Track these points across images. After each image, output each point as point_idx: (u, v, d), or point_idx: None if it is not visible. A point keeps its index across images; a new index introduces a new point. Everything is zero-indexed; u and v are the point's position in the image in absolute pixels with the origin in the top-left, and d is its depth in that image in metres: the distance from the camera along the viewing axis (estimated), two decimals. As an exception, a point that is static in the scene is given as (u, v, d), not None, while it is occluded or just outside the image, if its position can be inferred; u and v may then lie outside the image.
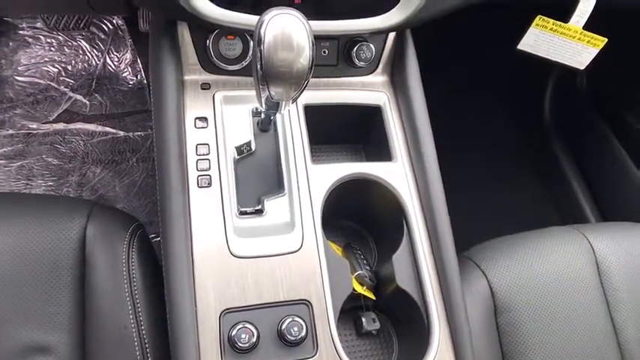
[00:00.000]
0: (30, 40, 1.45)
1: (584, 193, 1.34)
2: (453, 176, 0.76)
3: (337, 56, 0.75)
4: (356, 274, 0.66)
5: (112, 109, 1.42)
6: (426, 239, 0.67)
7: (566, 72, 1.05)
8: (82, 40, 1.47)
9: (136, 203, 1.28)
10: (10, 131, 1.35)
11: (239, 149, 0.67)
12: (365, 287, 0.66)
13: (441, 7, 0.70)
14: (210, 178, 0.62)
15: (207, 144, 0.64)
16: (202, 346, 0.53)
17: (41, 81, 1.43)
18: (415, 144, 0.70)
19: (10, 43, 1.44)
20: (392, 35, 0.76)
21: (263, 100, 0.54)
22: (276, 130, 0.70)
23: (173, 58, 0.66)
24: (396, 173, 0.70)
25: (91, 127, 1.38)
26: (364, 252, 0.71)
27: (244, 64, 0.70)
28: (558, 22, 0.95)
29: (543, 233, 0.88)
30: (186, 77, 0.68)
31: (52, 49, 1.45)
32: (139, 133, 1.40)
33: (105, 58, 1.47)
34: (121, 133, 1.39)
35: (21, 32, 1.45)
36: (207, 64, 0.69)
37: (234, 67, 0.70)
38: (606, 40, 0.96)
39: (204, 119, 0.66)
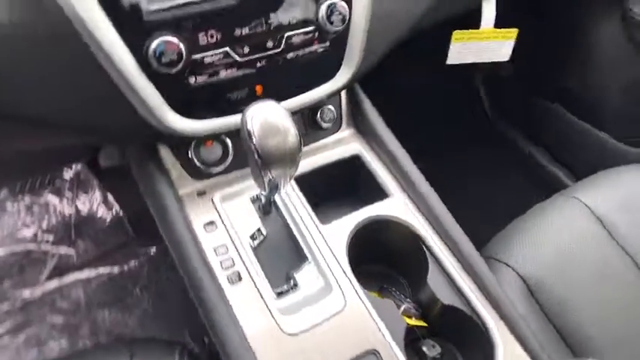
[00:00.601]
0: (-4, 213, 1.46)
1: (554, 165, 1.43)
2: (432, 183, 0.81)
3: (305, 125, 0.81)
4: (402, 309, 0.69)
5: (99, 250, 1.42)
6: (448, 253, 0.71)
7: (490, 66, 1.16)
8: (48, 195, 1.48)
9: (155, 330, 1.27)
10: (6, 305, 1.32)
11: (252, 237, 0.70)
12: (414, 319, 0.69)
13: (374, 60, 0.78)
14: (239, 273, 0.65)
15: (224, 244, 0.68)
16: None
17: (20, 248, 1.42)
18: (408, 184, 0.76)
19: (-22, 224, 1.44)
20: (343, 92, 0.83)
21: (266, 183, 0.58)
22: (278, 209, 0.74)
23: (165, 178, 0.71)
24: (396, 206, 0.75)
25: (85, 274, 1.38)
26: (398, 288, 0.75)
27: (227, 163, 0.75)
28: (473, 30, 1.06)
29: (537, 210, 0.95)
30: (182, 191, 0.72)
31: (22, 213, 1.46)
32: (133, 263, 1.40)
33: (76, 205, 1.49)
34: (116, 270, 1.39)
35: (-15, 209, 1.46)
36: (194, 173, 0.74)
37: (219, 169, 0.75)
38: (517, 30, 1.07)
39: (211, 223, 0.70)
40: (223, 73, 0.65)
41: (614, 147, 1.26)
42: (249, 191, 0.74)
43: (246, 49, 0.65)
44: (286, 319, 0.62)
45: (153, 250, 1.43)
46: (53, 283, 1.36)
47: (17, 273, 1.39)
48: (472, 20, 1.05)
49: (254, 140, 0.53)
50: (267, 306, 0.63)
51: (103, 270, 1.39)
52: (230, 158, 0.75)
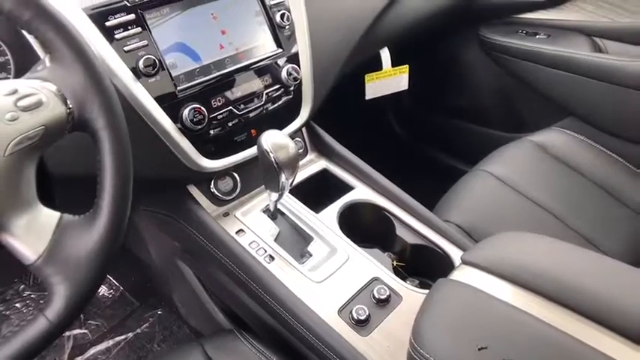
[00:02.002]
0: (3, 319, 1.58)
1: (456, 161, 1.84)
2: None
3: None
4: (385, 254, 0.99)
5: (110, 323, 1.58)
6: (408, 215, 1.03)
7: (395, 96, 1.56)
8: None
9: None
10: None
11: (271, 234, 0.98)
12: (395, 262, 0.99)
13: (319, 102, 1.13)
14: (271, 255, 0.92)
15: (254, 240, 0.95)
16: (338, 330, 0.81)
17: (33, 343, 1.54)
18: (368, 178, 1.09)
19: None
20: (304, 128, 1.16)
21: (279, 185, 0.87)
22: (282, 213, 1.03)
23: (199, 206, 0.98)
24: (362, 193, 1.08)
25: (103, 345, 1.53)
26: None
27: (237, 191, 1.04)
28: (379, 72, 1.46)
29: (459, 184, 1.31)
30: (213, 215, 0.99)
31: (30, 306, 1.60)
32: (144, 325, 1.57)
33: (78, 291, 1.64)
34: (131, 335, 1.55)
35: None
36: (216, 201, 1.01)
37: (233, 196, 1.03)
38: (407, 65, 1.48)
39: (241, 230, 0.97)
40: (230, 124, 0.95)
41: (495, 136, 1.69)
42: (258, 206, 1.03)
43: (242, 106, 0.97)
44: (312, 274, 0.90)
45: (159, 311, 1.61)
46: (76, 362, 1.50)
47: (37, 364, 1.50)
48: (375, 65, 1.45)
49: (271, 155, 0.83)
50: (297, 269, 0.90)
51: (119, 338, 1.54)
52: (239, 187, 1.04)
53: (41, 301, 1.60)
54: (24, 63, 0.79)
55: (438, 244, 0.99)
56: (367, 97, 1.49)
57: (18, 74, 0.78)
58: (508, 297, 0.72)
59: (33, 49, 0.77)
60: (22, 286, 1.63)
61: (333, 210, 1.03)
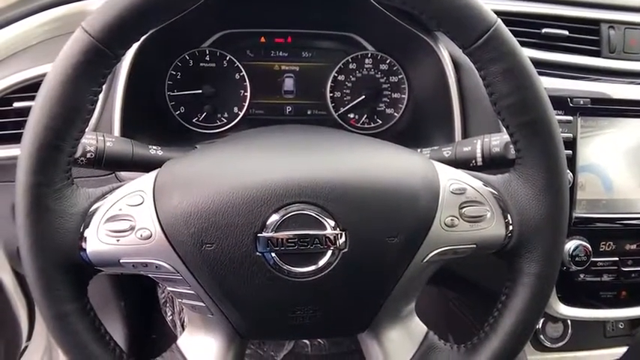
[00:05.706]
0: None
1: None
2: None
3: None
4: None
5: (332, 350, 1.57)
6: None
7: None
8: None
9: None
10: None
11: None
12: None
13: None
14: None
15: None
16: None
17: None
18: None
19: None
20: None
21: None
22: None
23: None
24: None
25: (313, 366, 1.53)
26: None
27: (565, 340, 0.86)
28: None
29: None
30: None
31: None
32: (356, 372, 1.52)
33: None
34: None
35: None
36: (538, 345, 0.85)
37: (558, 345, 0.85)
38: None
39: None
40: (606, 276, 0.77)
41: None
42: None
43: (630, 262, 0.77)
44: None
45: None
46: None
47: (257, 345, 1.58)
48: None
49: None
50: None
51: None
52: (568, 337, 0.85)
53: None
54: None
55: None
56: None
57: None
58: None
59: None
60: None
61: None
